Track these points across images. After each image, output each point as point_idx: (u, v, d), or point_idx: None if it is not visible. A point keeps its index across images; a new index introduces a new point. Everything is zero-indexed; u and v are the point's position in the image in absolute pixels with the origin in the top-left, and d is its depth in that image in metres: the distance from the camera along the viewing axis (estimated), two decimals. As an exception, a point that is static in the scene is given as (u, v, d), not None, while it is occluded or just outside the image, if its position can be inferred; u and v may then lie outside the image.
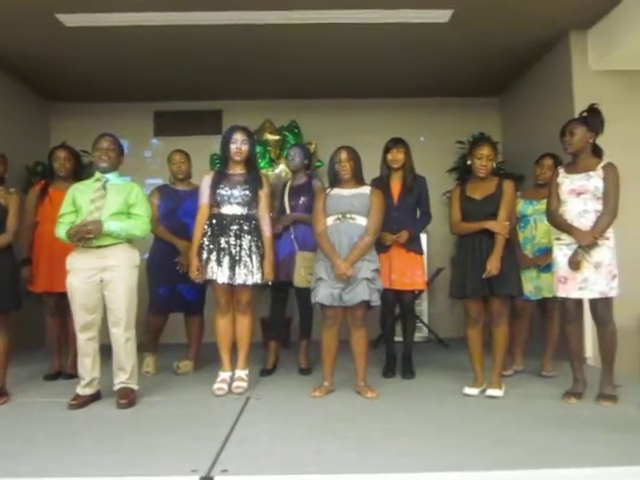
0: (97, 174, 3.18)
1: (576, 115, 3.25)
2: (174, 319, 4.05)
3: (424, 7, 3.95)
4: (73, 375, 3.56)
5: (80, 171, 4.10)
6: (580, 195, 3.03)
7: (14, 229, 3.26)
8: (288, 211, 3.87)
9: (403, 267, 3.65)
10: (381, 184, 3.66)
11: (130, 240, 3.14)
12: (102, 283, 3.04)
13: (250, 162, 3.43)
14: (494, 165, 3.31)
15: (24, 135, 5.34)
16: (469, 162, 3.34)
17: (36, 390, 3.47)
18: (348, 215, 3.21)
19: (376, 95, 5.79)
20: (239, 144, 3.34)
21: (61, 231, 3.05)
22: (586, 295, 3.04)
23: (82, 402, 3.01)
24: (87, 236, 2.96)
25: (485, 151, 3.26)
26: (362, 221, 3.21)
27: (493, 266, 3.09)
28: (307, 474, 2.08)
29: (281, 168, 5.46)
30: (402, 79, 5.41)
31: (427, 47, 4.67)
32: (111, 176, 3.16)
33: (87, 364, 3.06)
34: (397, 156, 3.70)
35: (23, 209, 3.54)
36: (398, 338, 3.91)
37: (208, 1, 3.84)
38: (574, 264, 2.99)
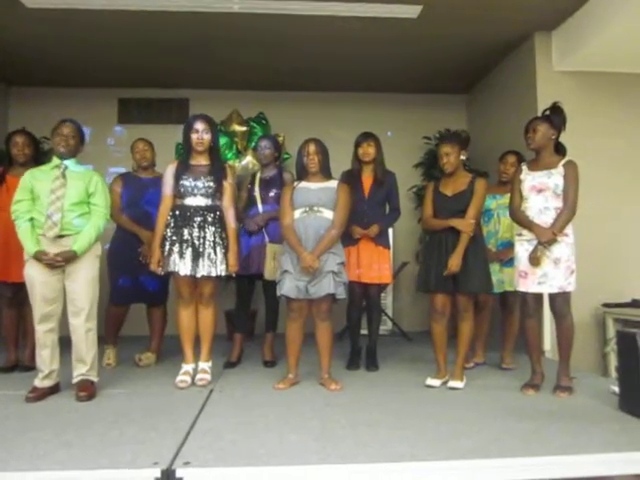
0: (55, 160, 3.07)
1: (539, 114, 3.33)
2: (135, 311, 3.98)
3: (394, 2, 3.97)
4: (30, 368, 3.46)
5: (40, 158, 3.97)
6: (541, 192, 3.10)
7: None
8: (259, 203, 3.83)
9: (371, 260, 3.68)
10: (352, 178, 3.68)
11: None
12: (63, 273, 2.97)
13: (213, 152, 3.38)
14: (461, 158, 3.34)
15: (-20, 120, 5.16)
16: None
17: (-9, 383, 3.37)
18: (315, 208, 3.21)
19: (344, 89, 5.80)
20: (200, 133, 3.28)
21: (22, 234, 2.94)
22: (545, 290, 3.12)
23: (40, 395, 2.94)
24: (57, 264, 2.91)
25: (443, 149, 3.30)
26: (329, 214, 3.22)
27: (454, 263, 3.14)
28: (270, 466, 2.07)
29: (248, 159, 5.41)
30: (371, 74, 5.43)
31: (396, 43, 4.70)
32: (70, 163, 3.07)
33: (45, 356, 2.97)
34: (368, 150, 3.72)
35: None
36: (363, 331, 3.94)
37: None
38: (534, 260, 3.06)
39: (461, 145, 3.34)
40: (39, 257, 2.90)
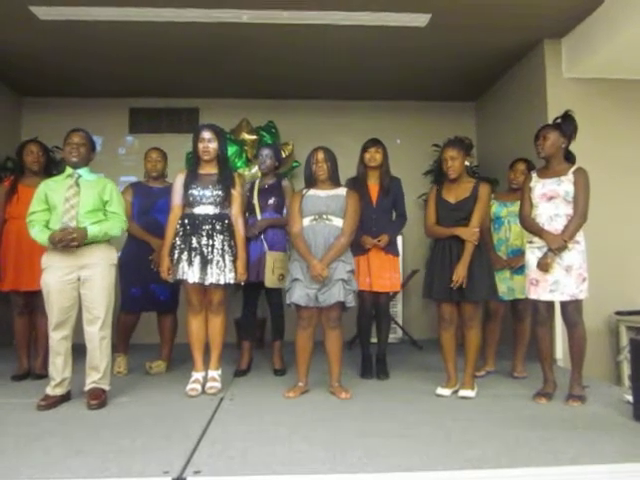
0: (68, 170, 3.10)
1: (549, 121, 3.32)
2: (146, 319, 4.00)
3: (403, 10, 3.99)
4: (42, 375, 3.50)
5: (51, 167, 4.03)
6: (551, 199, 3.09)
7: None
8: (258, 211, 3.84)
9: (382, 269, 3.67)
10: (358, 184, 3.68)
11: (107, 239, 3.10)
12: (79, 281, 2.99)
13: (221, 161, 3.40)
14: (466, 163, 3.33)
15: (-5, 130, 5.22)
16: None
17: (3, 390, 3.39)
18: (324, 216, 3.21)
19: (353, 97, 5.82)
20: (206, 142, 3.31)
21: (37, 232, 2.96)
22: (557, 297, 3.10)
23: (52, 403, 2.95)
24: (72, 244, 2.90)
25: (448, 153, 3.28)
26: (338, 222, 3.22)
27: (460, 275, 3.12)
28: (280, 475, 2.07)
29: (257, 168, 5.43)
30: (380, 82, 5.45)
31: (405, 51, 4.71)
32: (82, 172, 3.10)
33: (59, 364, 2.99)
34: (375, 155, 3.73)
35: None
36: (373, 339, 3.92)
37: (186, -2, 3.82)
38: (543, 266, 3.04)
39: (466, 151, 3.33)
40: (53, 240, 2.88)
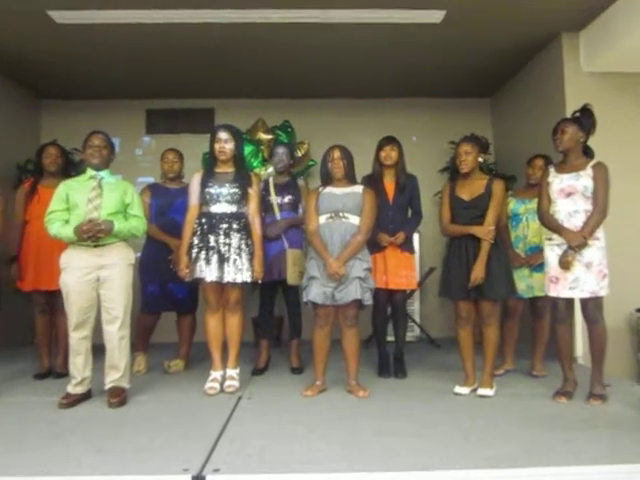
0: (89, 171, 3.14)
1: (567, 116, 3.27)
2: (165, 318, 4.03)
3: (417, 7, 3.96)
4: (63, 374, 3.55)
5: (69, 169, 4.08)
6: (570, 195, 3.04)
7: None
8: (276, 209, 3.84)
9: (398, 267, 3.66)
10: (374, 182, 3.67)
11: (126, 239, 3.13)
12: (98, 282, 3.03)
13: (238, 160, 3.42)
14: (479, 160, 3.31)
15: (14, 133, 5.28)
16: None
17: (25, 389, 3.44)
18: (341, 214, 3.21)
19: (368, 96, 5.80)
20: (222, 143, 3.34)
21: (58, 227, 2.99)
22: (577, 295, 3.06)
23: (73, 401, 3.00)
24: (99, 235, 2.94)
25: (462, 148, 3.27)
26: (355, 220, 3.22)
27: (477, 275, 3.10)
28: (298, 473, 2.08)
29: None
30: (395, 80, 5.42)
31: (420, 48, 4.68)
32: (104, 174, 3.14)
33: (79, 363, 3.04)
34: (391, 153, 3.71)
35: (7, 209, 3.47)
36: (390, 338, 3.92)
37: (200, -1, 3.83)
38: (564, 264, 3.00)
39: (481, 148, 3.31)
40: (80, 230, 2.91)
